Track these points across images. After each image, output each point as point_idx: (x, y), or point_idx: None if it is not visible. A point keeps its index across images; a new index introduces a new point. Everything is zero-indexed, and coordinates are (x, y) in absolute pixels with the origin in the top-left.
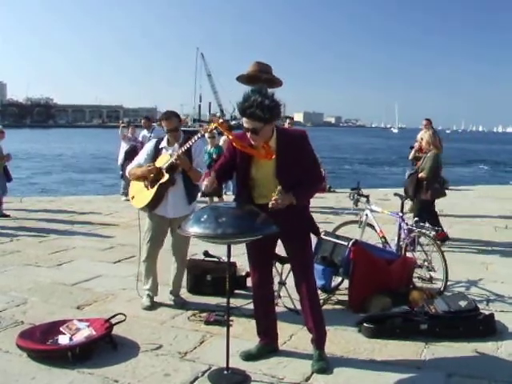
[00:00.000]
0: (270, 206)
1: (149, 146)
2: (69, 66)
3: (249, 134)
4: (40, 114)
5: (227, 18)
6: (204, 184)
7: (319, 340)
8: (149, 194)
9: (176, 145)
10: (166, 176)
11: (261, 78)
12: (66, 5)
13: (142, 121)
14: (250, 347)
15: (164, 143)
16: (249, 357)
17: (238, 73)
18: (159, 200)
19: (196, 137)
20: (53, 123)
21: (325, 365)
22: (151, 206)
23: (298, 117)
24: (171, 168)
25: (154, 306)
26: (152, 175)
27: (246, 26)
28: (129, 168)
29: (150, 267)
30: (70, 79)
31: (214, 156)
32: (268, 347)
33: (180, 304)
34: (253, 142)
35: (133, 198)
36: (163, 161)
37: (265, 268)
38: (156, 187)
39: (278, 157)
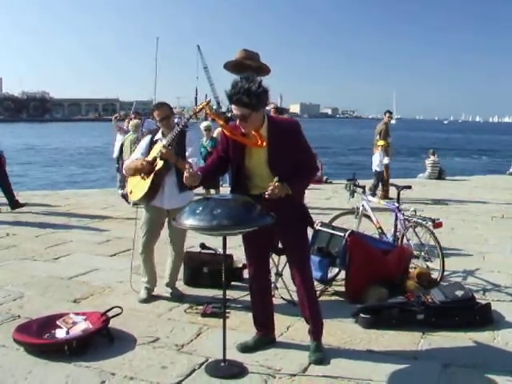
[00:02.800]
0: (266, 195)
1: (143, 142)
2: (64, 60)
3: (238, 122)
4: (36, 109)
5: (223, 10)
6: (185, 175)
7: (316, 331)
8: (145, 184)
9: (170, 135)
10: (161, 163)
11: (247, 65)
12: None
13: (133, 115)
14: (247, 339)
15: (159, 135)
16: (245, 349)
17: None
18: (156, 190)
19: (181, 123)
20: (49, 117)
21: (322, 356)
22: (148, 197)
23: (295, 108)
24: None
25: (150, 298)
26: (145, 165)
27: (243, 19)
28: (124, 165)
29: (148, 260)
30: (66, 73)
31: (209, 149)
32: (265, 339)
33: (177, 296)
34: (243, 130)
35: (131, 192)
36: (156, 150)
37: (261, 260)
38: (152, 176)
39: (270, 145)
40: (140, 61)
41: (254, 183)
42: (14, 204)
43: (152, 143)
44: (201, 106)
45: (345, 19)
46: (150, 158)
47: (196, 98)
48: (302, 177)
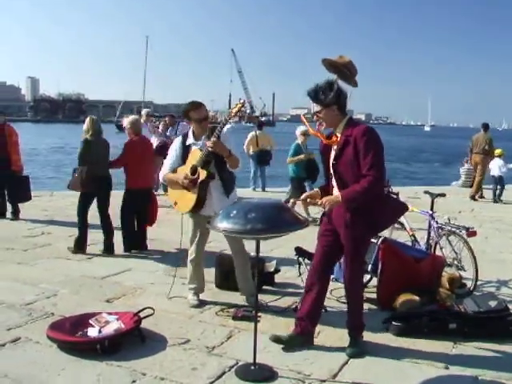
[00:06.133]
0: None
1: (175, 146)
2: (99, 62)
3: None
4: (71, 110)
5: (258, 14)
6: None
7: (351, 328)
8: (192, 196)
9: (203, 137)
10: (204, 172)
11: (342, 71)
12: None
13: (166, 118)
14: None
15: (190, 139)
16: (279, 341)
17: (268, 71)
18: (203, 200)
19: (221, 124)
20: (84, 118)
21: (358, 350)
22: (197, 209)
23: None
24: (206, 163)
25: (201, 304)
26: (189, 181)
27: (277, 24)
28: (162, 174)
29: (197, 266)
30: (101, 75)
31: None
32: (301, 337)
33: (252, 303)
34: (323, 126)
35: (175, 203)
36: (195, 157)
37: (326, 258)
38: (198, 187)
39: (338, 145)
40: (174, 64)
41: (331, 183)
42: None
43: (185, 147)
44: (237, 108)
45: (378, 24)
46: (187, 167)
47: (230, 101)
48: (357, 188)
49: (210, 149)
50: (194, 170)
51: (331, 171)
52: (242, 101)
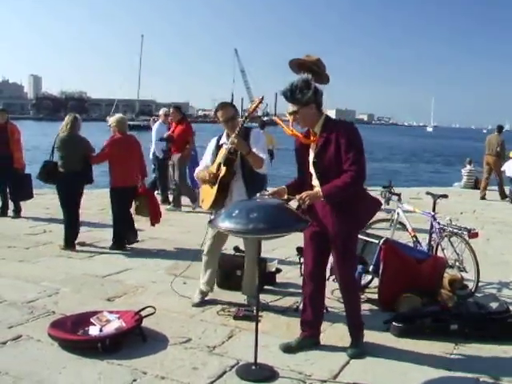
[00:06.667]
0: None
1: (211, 145)
2: (102, 61)
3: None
4: (74, 108)
5: (259, 15)
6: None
7: (351, 329)
8: (213, 192)
9: (233, 137)
10: (224, 169)
11: (311, 69)
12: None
13: (169, 117)
14: (284, 341)
15: (224, 139)
16: (289, 349)
17: (272, 70)
18: (223, 197)
19: (242, 120)
20: (86, 117)
21: (359, 351)
22: (216, 205)
23: (330, 113)
24: (228, 160)
25: (201, 303)
26: (211, 176)
27: (280, 23)
28: (196, 171)
29: (211, 263)
30: (104, 73)
31: None
32: (310, 340)
33: (252, 305)
34: (300, 126)
35: (202, 201)
36: (220, 156)
37: (318, 259)
38: (217, 183)
39: (318, 142)
40: (177, 63)
41: (309, 183)
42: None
43: (218, 147)
44: (255, 105)
45: (381, 25)
46: (215, 165)
47: (232, 100)
48: (338, 183)
49: (230, 145)
50: (218, 168)
51: (311, 170)
52: (260, 96)
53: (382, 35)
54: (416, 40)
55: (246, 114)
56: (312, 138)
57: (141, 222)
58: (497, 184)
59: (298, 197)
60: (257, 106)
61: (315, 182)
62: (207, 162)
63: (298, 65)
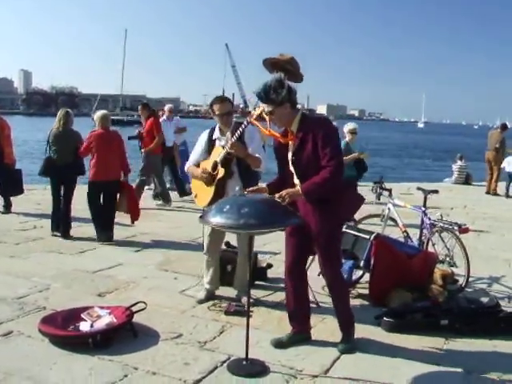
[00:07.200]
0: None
1: (202, 139)
2: (93, 55)
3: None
4: (64, 103)
5: (253, 11)
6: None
7: (342, 324)
8: (209, 191)
9: (228, 134)
10: (222, 170)
11: (284, 68)
12: None
13: (160, 112)
14: (275, 337)
15: (216, 133)
16: (280, 344)
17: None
18: (220, 196)
19: (244, 124)
20: (77, 112)
21: (349, 346)
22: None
23: (322, 109)
24: (226, 161)
25: (208, 300)
26: (208, 175)
27: (271, 20)
28: (187, 165)
29: (212, 261)
30: (95, 68)
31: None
32: (300, 336)
33: (239, 298)
34: (277, 126)
35: (195, 196)
36: (217, 154)
37: (298, 256)
38: (215, 184)
39: (295, 140)
40: (167, 57)
41: (290, 181)
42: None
43: (211, 141)
44: (259, 111)
45: (372, 20)
46: (210, 162)
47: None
48: (316, 179)
49: (229, 150)
50: (214, 166)
51: (291, 168)
52: (261, 108)
53: (371, 32)
54: (415, 40)
55: (246, 122)
56: (290, 136)
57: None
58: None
59: (277, 195)
60: (260, 113)
61: (296, 180)
62: (198, 157)
63: (271, 64)
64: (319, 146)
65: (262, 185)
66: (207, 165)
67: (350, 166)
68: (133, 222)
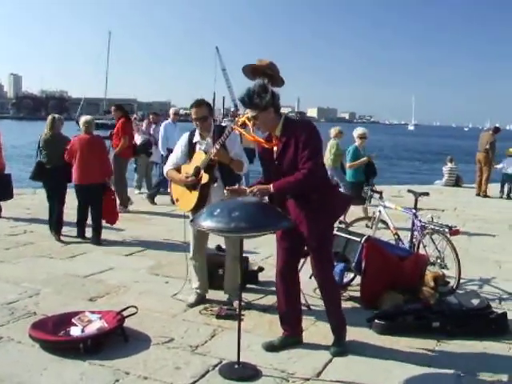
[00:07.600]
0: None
1: (182, 142)
2: (83, 60)
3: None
4: (54, 107)
5: (243, 15)
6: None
7: (334, 327)
8: (193, 196)
9: (209, 139)
10: (206, 176)
11: (265, 73)
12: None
13: (150, 116)
14: (266, 340)
15: (197, 137)
16: (271, 348)
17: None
18: (204, 201)
19: (227, 131)
20: (66, 116)
21: (341, 349)
22: (198, 209)
23: (312, 112)
24: (209, 166)
25: (197, 303)
26: (189, 182)
27: (261, 23)
28: (166, 169)
29: (199, 265)
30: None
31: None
32: (291, 339)
33: (231, 302)
34: (261, 130)
35: (177, 200)
36: (199, 159)
37: (290, 259)
38: (198, 189)
39: (279, 144)
40: (158, 61)
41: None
42: None
43: (191, 144)
44: (243, 118)
45: (363, 23)
46: (191, 166)
47: (214, 99)
48: (290, 179)
49: (213, 157)
50: (197, 172)
51: (275, 172)
52: (247, 114)
53: (362, 35)
54: (406, 41)
55: (232, 126)
56: (274, 141)
57: (122, 222)
58: (490, 180)
59: (248, 190)
60: (244, 121)
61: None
62: (178, 160)
63: (251, 70)
64: (300, 149)
65: (241, 186)
66: (188, 169)
67: (359, 170)
68: (111, 224)
